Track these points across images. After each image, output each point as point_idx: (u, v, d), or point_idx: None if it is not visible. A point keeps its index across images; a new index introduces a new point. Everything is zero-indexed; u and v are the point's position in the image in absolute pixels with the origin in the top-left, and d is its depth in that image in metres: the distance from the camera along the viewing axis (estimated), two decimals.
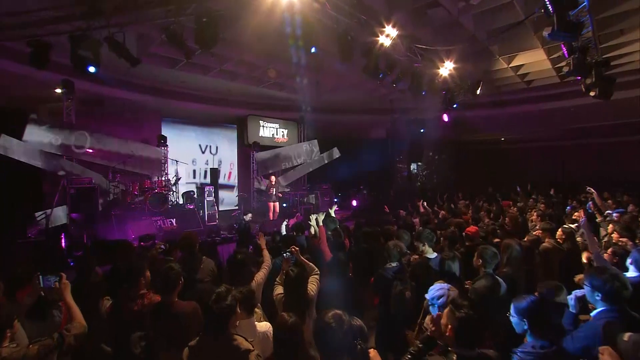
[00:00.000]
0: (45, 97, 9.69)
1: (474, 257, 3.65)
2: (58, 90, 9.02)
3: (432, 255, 3.82)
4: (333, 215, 5.91)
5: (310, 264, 3.19)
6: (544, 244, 4.17)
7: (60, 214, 8.33)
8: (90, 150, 9.45)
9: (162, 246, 3.94)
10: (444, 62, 7.24)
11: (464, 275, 3.61)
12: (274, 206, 9.78)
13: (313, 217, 5.42)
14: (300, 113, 14.78)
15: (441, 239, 4.35)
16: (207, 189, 9.92)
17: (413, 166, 16.43)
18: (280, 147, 14.52)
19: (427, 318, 3.64)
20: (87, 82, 9.49)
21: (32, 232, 7.93)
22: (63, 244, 6.40)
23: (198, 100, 11.97)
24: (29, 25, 4.85)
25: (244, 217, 6.90)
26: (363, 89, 11.69)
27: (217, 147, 13.79)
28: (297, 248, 3.16)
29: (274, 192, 9.83)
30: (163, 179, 10.19)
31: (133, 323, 2.69)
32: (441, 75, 7.38)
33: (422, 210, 7.52)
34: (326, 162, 15.08)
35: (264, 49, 7.99)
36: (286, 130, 15.12)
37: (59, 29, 4.86)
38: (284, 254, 3.14)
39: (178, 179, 10.36)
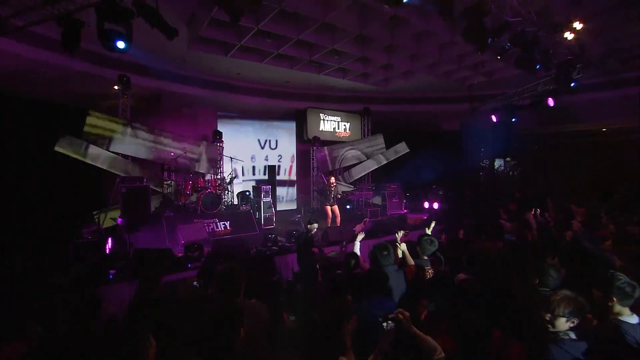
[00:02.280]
0: (105, 93, 9.46)
1: None
2: (117, 87, 8.69)
3: (632, 319, 2.19)
4: (430, 233, 4.37)
5: (428, 338, 1.80)
6: None
7: (116, 215, 7.90)
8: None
9: (195, 283, 2.83)
10: (571, 23, 5.30)
11: None
12: (332, 210, 8.46)
13: (400, 234, 4.01)
14: (365, 105, 13.39)
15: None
16: (264, 188, 8.96)
17: (498, 163, 14.10)
18: (342, 142, 13.23)
19: None
20: (143, 77, 9.10)
21: (88, 233, 7.58)
22: (108, 250, 5.76)
23: (254, 93, 11.15)
24: (57, 2, 4.08)
25: (309, 226, 5.68)
26: (439, 72, 9.92)
27: (276, 141, 12.94)
28: (406, 314, 1.79)
29: (333, 195, 8.50)
30: (217, 177, 9.46)
31: None
32: (565, 39, 5.45)
33: (532, 221, 5.64)
34: (392, 158, 13.50)
35: (328, 24, 6.71)
36: (348, 124, 13.77)
37: (89, 1, 4.01)
38: (383, 324, 1.79)
39: (233, 178, 9.56)
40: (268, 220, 8.83)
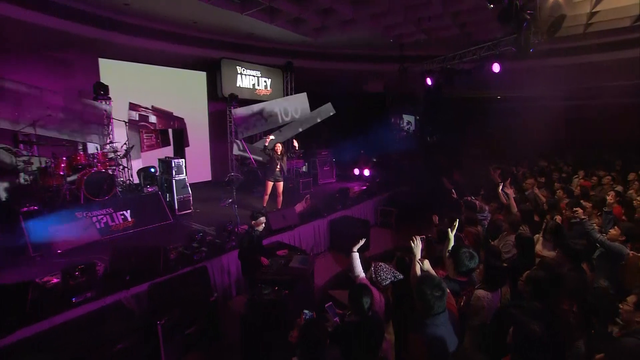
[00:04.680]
0: None
1: None
2: None
3: None
4: (452, 237, 3.15)
5: None
6: None
7: None
8: None
9: None
10: None
11: None
12: (275, 187, 6.97)
13: (417, 243, 2.76)
14: (287, 59, 11.64)
15: None
16: (175, 162, 6.87)
17: (407, 119, 13.97)
18: (262, 100, 11.38)
19: None
20: None
21: None
22: None
23: (150, 34, 8.48)
24: None
25: (253, 222, 4.16)
26: (380, 24, 8.77)
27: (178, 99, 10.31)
28: None
29: (280, 167, 6.83)
30: (107, 149, 6.96)
31: None
32: None
33: (506, 195, 5.14)
34: (318, 120, 12.25)
35: None
36: (269, 80, 11.91)
37: None
38: None
39: (130, 148, 7.16)
40: (183, 204, 6.91)
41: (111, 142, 7.00)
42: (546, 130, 12.41)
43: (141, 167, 7.46)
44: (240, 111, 10.21)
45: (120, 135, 7.45)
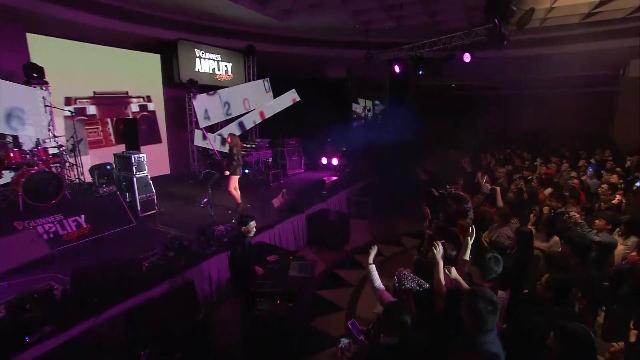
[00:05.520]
0: None
1: None
2: None
3: None
4: (470, 245, 2.94)
5: None
6: None
7: None
8: None
9: None
10: None
11: None
12: (236, 181, 6.44)
13: (439, 249, 2.52)
14: (249, 42, 10.87)
15: None
16: (135, 157, 6.05)
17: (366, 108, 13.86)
18: (223, 86, 10.57)
19: None
20: None
21: None
22: None
23: (92, 8, 7.32)
24: None
25: (243, 228, 3.70)
26: (350, 8, 8.42)
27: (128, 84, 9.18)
28: None
29: (239, 160, 6.33)
30: (47, 142, 5.93)
31: None
32: None
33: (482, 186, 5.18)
34: (283, 107, 11.73)
35: None
36: (230, 65, 11.09)
37: None
38: None
39: (78, 142, 6.19)
40: (147, 204, 6.15)
41: (54, 136, 5.97)
42: (510, 117, 12.99)
43: (92, 164, 6.51)
44: (201, 98, 9.38)
45: (61, 127, 6.41)
